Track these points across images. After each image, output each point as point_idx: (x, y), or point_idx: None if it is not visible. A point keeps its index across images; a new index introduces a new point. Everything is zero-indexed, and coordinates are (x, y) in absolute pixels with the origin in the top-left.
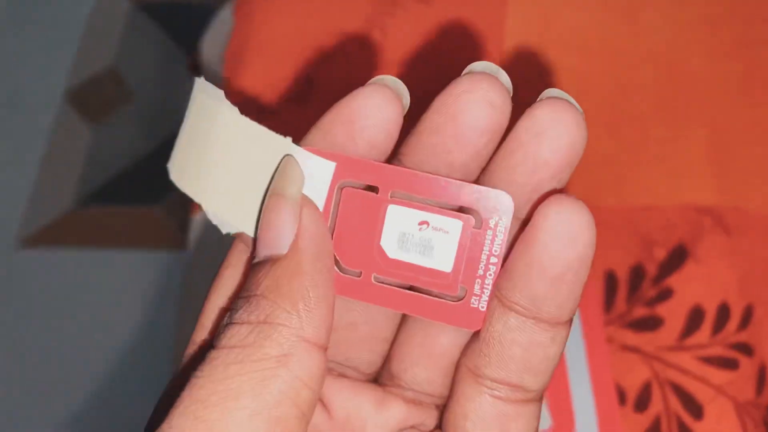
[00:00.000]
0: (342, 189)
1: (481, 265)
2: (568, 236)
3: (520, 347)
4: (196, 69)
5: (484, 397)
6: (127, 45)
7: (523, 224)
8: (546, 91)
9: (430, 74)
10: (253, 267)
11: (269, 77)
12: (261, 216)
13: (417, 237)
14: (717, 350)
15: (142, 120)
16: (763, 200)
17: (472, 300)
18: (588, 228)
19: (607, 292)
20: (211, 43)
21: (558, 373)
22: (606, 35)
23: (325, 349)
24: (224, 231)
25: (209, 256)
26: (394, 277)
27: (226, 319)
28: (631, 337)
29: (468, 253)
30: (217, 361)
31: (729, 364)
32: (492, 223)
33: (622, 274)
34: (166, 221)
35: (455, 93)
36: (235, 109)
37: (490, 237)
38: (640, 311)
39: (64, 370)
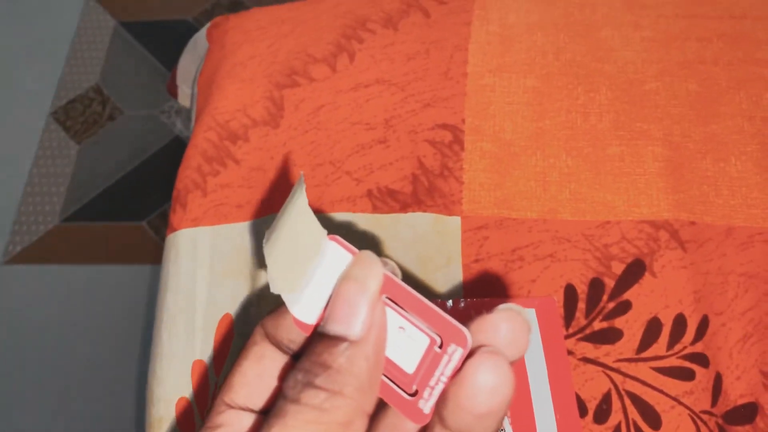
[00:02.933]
0: None
1: (434, 378)
2: (490, 389)
3: None
4: (174, 90)
5: None
6: (111, 64)
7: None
8: (501, 305)
9: (396, 99)
10: (322, 337)
11: (240, 101)
12: (336, 292)
13: (394, 336)
14: (674, 361)
15: (127, 138)
16: (717, 214)
17: (420, 402)
18: (506, 382)
19: (567, 306)
20: (188, 66)
21: (519, 387)
22: (565, 56)
23: (370, 415)
24: (272, 290)
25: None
26: None
27: (301, 377)
28: (591, 350)
29: (427, 365)
30: (298, 415)
31: (685, 375)
32: (450, 350)
33: (582, 288)
34: (150, 236)
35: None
36: (305, 200)
37: (446, 360)
38: (599, 324)
39: (50, 380)
